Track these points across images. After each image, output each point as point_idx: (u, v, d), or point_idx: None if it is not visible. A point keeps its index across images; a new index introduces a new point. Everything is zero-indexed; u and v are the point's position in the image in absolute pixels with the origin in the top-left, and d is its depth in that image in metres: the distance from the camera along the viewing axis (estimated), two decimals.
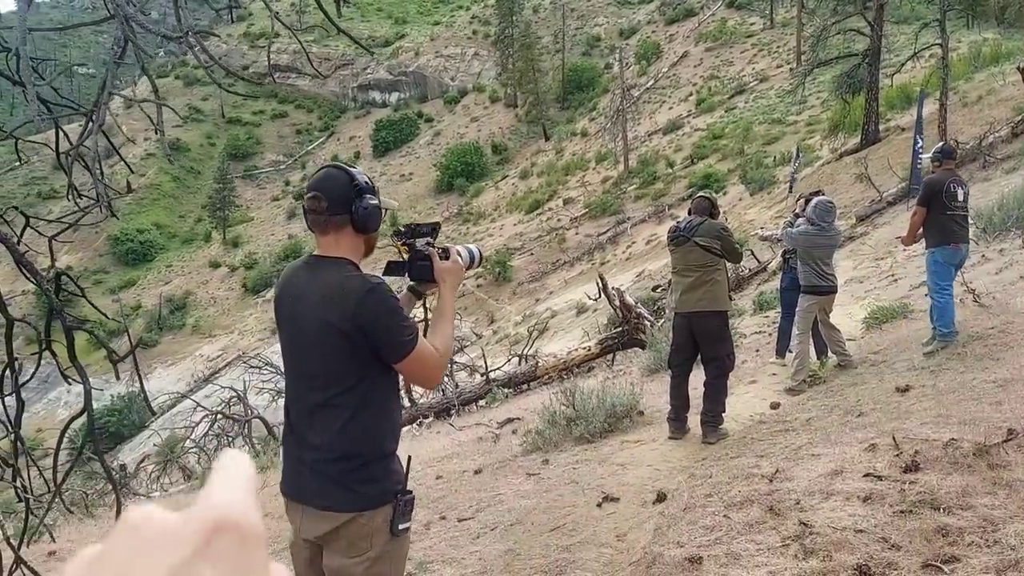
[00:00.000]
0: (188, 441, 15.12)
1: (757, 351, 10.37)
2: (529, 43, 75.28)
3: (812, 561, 3.29)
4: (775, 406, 6.78)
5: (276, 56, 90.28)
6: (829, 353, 7.95)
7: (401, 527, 2.39)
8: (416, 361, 2.40)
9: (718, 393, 6.17)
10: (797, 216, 7.98)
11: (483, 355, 15.57)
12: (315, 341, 2.40)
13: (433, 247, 2.70)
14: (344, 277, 2.39)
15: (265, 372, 15.31)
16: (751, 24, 71.16)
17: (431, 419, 12.98)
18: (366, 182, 2.46)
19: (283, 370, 2.61)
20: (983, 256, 11.03)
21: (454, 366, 15.23)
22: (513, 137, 76.45)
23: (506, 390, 13.39)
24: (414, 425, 12.99)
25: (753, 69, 61.11)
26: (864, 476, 4.05)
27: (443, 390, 14.20)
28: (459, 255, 2.73)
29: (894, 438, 4.40)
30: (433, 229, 2.73)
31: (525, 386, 13.86)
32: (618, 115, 51.06)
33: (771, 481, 4.38)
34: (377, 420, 2.43)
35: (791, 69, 53.57)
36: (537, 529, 4.83)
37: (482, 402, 13.26)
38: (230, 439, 13.90)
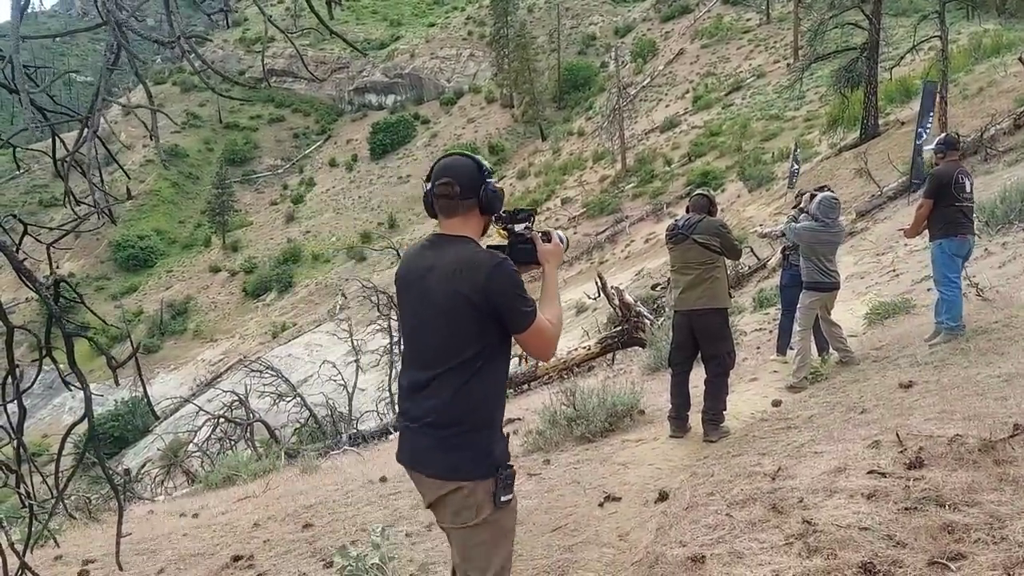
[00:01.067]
0: (191, 445, 15.12)
1: (758, 348, 10.33)
2: (524, 43, 75.35)
3: (816, 559, 3.25)
4: (777, 403, 6.73)
5: (272, 60, 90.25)
6: (831, 350, 7.90)
7: (504, 499, 2.56)
8: (535, 333, 2.61)
9: (719, 391, 6.13)
10: (801, 211, 7.91)
11: None
12: (443, 311, 2.58)
13: (532, 231, 2.90)
14: (474, 252, 2.62)
15: (266, 376, 15.29)
16: (747, 20, 71.15)
17: None
18: (489, 168, 2.73)
19: (403, 342, 2.81)
20: (986, 250, 10.98)
21: None
22: (510, 137, 76.50)
23: (507, 391, 13.34)
24: None
25: (750, 65, 61.11)
26: (868, 473, 4.01)
27: None
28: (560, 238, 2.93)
29: (898, 435, 4.36)
30: (531, 215, 2.93)
31: (525, 386, 13.82)
32: (615, 114, 51.08)
33: (773, 479, 4.34)
34: (487, 390, 2.62)
35: (788, 64, 53.60)
36: (539, 529, 4.79)
37: None
38: (232, 442, 13.89)
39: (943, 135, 7.65)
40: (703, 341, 6.24)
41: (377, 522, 5.49)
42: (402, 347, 2.88)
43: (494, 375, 2.64)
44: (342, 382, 14.97)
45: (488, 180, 2.69)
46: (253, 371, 15.94)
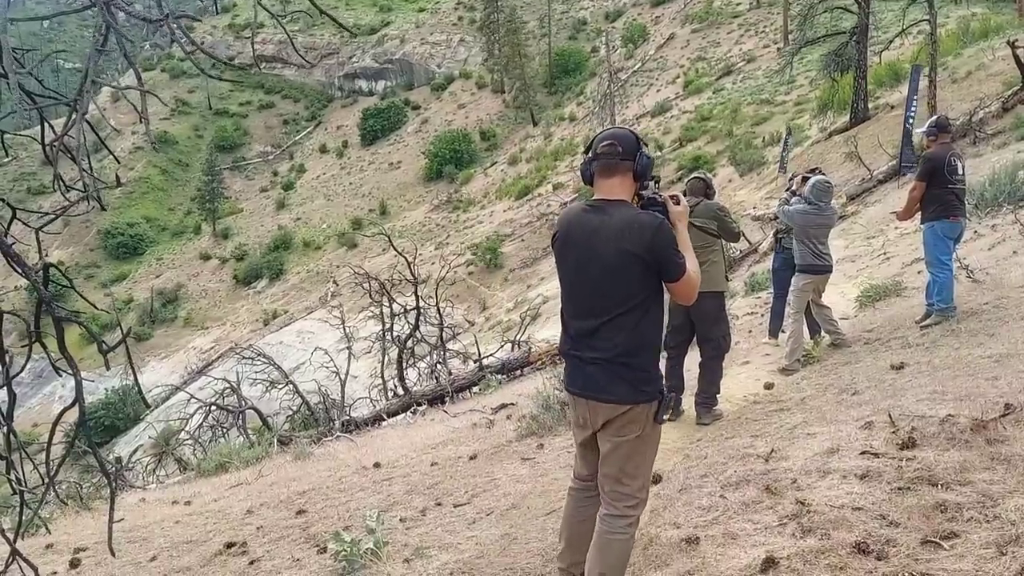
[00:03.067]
0: (183, 433, 15.08)
1: (750, 332, 10.35)
2: (515, 28, 74.99)
3: (810, 539, 3.26)
4: (769, 386, 6.75)
5: (261, 46, 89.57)
6: (823, 332, 7.92)
7: (664, 417, 3.10)
8: (685, 282, 3.07)
9: (713, 374, 6.14)
10: (794, 194, 7.90)
11: (476, 342, 15.53)
12: (613, 266, 3.02)
13: (661, 195, 3.27)
14: (636, 214, 3.06)
15: (258, 363, 15.24)
16: (737, 4, 70.87)
17: (425, 407, 12.95)
18: (645, 141, 3.17)
19: (565, 294, 3.24)
20: (976, 232, 11.01)
21: (447, 353, 15.20)
22: (501, 123, 76.19)
23: (499, 376, 13.37)
24: (408, 413, 12.96)
25: (740, 50, 60.93)
26: (860, 454, 4.03)
27: (437, 377, 14.18)
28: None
29: (890, 415, 4.37)
30: (657, 180, 3.33)
31: (518, 372, 13.84)
32: (606, 99, 50.91)
33: (767, 461, 4.36)
34: (652, 331, 3.12)
35: (779, 49, 53.45)
36: (533, 513, 4.80)
37: (476, 389, 13.24)
38: (224, 430, 13.87)
39: (934, 118, 7.63)
40: (699, 324, 6.25)
41: (371, 508, 5.49)
42: (564, 300, 3.28)
43: (656, 316, 3.13)
44: (334, 369, 14.93)
45: (643, 149, 3.12)
46: (244, 358, 15.87)
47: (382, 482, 6.72)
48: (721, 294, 6.38)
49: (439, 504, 5.55)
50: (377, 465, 7.56)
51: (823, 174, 7.79)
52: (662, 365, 6.45)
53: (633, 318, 3.04)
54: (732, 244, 6.79)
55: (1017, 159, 13.61)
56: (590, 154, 3.17)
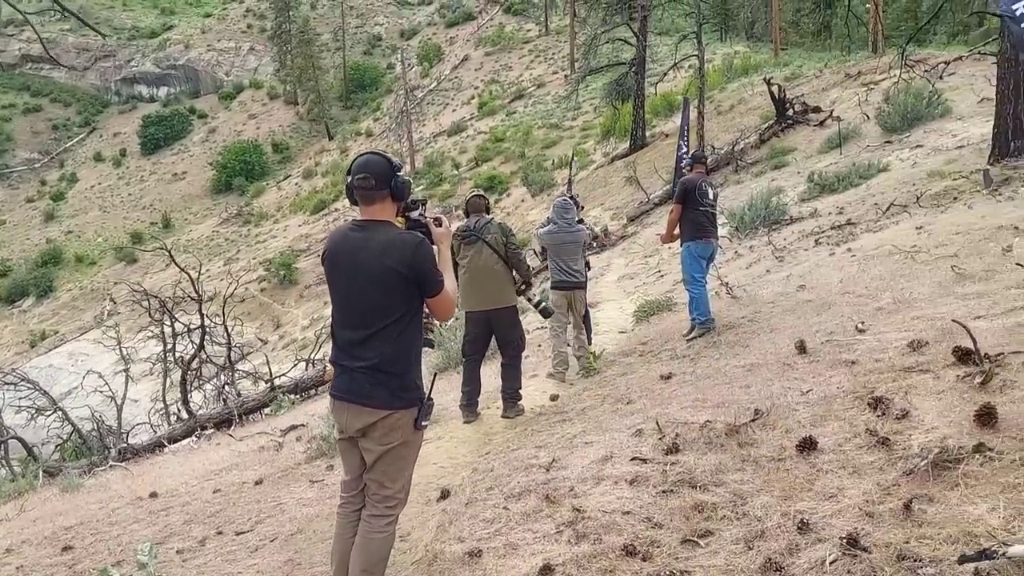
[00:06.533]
0: None
1: (539, 346, 10.70)
2: (308, 39, 73.95)
3: (584, 545, 3.44)
4: (554, 398, 7.04)
5: (27, 45, 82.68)
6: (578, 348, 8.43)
7: (423, 423, 3.33)
8: (442, 297, 3.32)
9: (516, 371, 6.72)
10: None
11: (267, 361, 15.07)
12: (377, 281, 3.21)
13: (426, 217, 3.51)
14: (398, 233, 3.28)
15: (22, 388, 14.02)
16: (527, 30, 73.32)
17: (211, 431, 12.40)
18: (398, 163, 3.33)
19: (335, 308, 3.42)
20: (736, 252, 11.98)
21: (236, 374, 14.64)
22: (295, 136, 74.56)
23: (292, 396, 13.04)
24: (192, 438, 12.36)
25: (531, 75, 63.02)
26: (631, 460, 4.30)
27: (224, 399, 13.62)
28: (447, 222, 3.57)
29: (657, 423, 4.69)
30: (424, 203, 3.57)
31: (313, 391, 13.54)
32: (402, 116, 51.05)
33: (548, 470, 4.55)
34: (413, 342, 3.35)
35: (566, 76, 55.72)
36: (319, 536, 4.74)
37: (267, 410, 12.84)
38: None
39: (693, 151, 8.49)
40: (500, 333, 6.70)
41: (145, 540, 5.22)
42: (334, 313, 3.45)
43: (417, 329, 3.36)
44: (110, 394, 13.98)
45: (398, 173, 3.27)
46: (7, 383, 14.54)
47: (159, 512, 6.40)
48: (515, 307, 6.83)
49: (220, 533, 5.36)
50: (154, 495, 7.17)
51: (571, 197, 8.37)
52: (438, 384, 6.69)
53: (396, 329, 3.25)
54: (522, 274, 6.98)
55: (772, 186, 14.97)
56: (350, 180, 3.30)
